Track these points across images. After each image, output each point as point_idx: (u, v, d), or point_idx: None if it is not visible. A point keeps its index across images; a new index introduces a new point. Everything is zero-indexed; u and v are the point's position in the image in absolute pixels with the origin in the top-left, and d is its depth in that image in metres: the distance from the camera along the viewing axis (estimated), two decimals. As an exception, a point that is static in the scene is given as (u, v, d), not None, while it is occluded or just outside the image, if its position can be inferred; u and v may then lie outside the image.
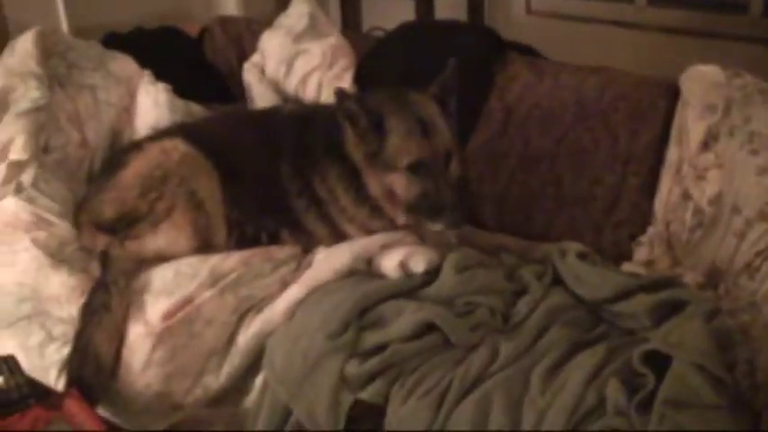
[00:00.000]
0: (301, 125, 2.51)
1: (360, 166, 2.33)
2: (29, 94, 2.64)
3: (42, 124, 2.61)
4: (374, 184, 2.32)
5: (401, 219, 2.36)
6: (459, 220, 2.27)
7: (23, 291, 2.33)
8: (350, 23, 4.05)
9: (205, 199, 2.42)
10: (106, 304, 2.23)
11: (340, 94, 2.27)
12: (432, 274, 2.26)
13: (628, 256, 2.49)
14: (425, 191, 2.27)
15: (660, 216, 2.48)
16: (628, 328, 2.12)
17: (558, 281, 2.27)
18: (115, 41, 3.12)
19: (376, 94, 2.36)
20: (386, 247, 2.32)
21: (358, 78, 3.01)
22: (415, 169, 2.26)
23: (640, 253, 2.46)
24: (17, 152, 2.53)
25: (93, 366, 2.18)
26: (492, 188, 2.73)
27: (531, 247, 2.45)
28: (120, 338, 2.22)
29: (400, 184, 2.28)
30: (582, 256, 2.31)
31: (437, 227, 2.29)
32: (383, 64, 3.02)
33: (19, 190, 2.51)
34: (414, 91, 2.37)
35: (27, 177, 2.53)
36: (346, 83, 2.97)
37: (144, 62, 2.99)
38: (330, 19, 3.45)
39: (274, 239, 2.46)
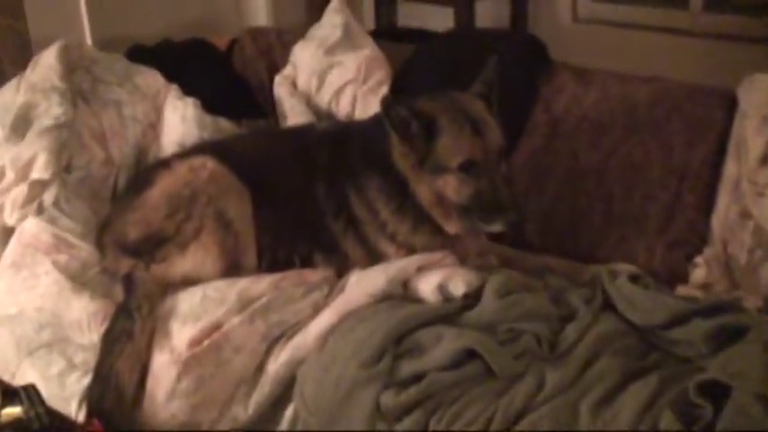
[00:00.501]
0: (337, 142, 2.54)
1: (407, 175, 2.35)
2: (51, 111, 2.69)
3: (65, 142, 2.66)
4: (423, 191, 2.34)
5: (453, 226, 2.37)
6: (519, 217, 2.31)
7: (44, 316, 2.37)
8: (384, 29, 4.06)
9: (234, 219, 2.44)
10: (129, 331, 2.25)
11: (387, 101, 2.30)
12: (472, 298, 2.25)
13: (683, 279, 2.46)
14: (480, 190, 2.29)
15: (717, 236, 2.46)
16: (683, 356, 2.08)
17: (607, 305, 2.25)
18: (141, 54, 3.16)
19: (422, 98, 2.38)
20: (423, 270, 2.32)
21: (394, 92, 3.01)
22: (467, 169, 2.29)
23: (696, 275, 2.43)
24: (39, 171, 2.58)
25: (114, 397, 2.19)
26: (537, 205, 2.72)
27: (579, 269, 2.43)
28: (143, 367, 2.23)
29: (452, 185, 2.30)
30: (634, 279, 2.28)
31: (496, 227, 2.32)
32: (421, 76, 3.03)
33: (40, 210, 2.55)
34: (457, 91, 2.40)
35: (49, 197, 2.57)
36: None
37: (171, 76, 3.03)
38: (364, 25, 3.46)
39: (307, 263, 2.47)
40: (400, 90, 3.01)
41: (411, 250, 2.41)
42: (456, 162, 2.28)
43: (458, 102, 2.35)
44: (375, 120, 2.42)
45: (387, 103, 2.29)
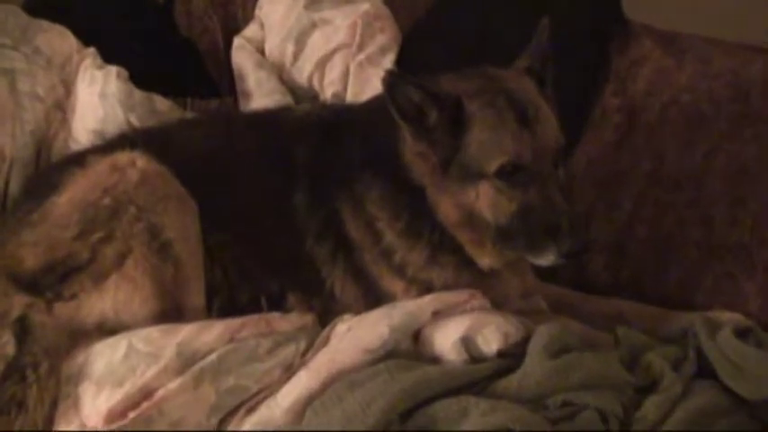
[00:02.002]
0: (323, 133, 2.58)
1: (424, 182, 2.38)
2: None
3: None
4: (446, 206, 2.38)
5: (486, 256, 2.42)
6: (581, 245, 2.30)
7: None
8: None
9: (175, 240, 2.46)
10: (21, 399, 2.26)
11: (392, 78, 2.31)
12: (510, 357, 2.27)
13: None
14: (527, 206, 2.31)
15: None
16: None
17: (704, 370, 2.27)
18: (45, 6, 3.19)
19: (444, 75, 2.41)
20: (440, 315, 2.34)
21: (402, 62, 3.05)
22: (509, 175, 2.31)
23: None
24: None
25: (-1, 490, 2.22)
26: (605, 227, 2.75)
27: (664, 319, 2.47)
28: (40, 450, 2.25)
29: (488, 197, 2.33)
30: (742, 334, 2.30)
31: (547, 259, 2.33)
32: (441, 42, 3.07)
33: None
34: (495, 66, 2.43)
35: None
36: (383, 70, 3.01)
37: (87, 36, 3.06)
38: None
39: (278, 306, 2.50)
40: (412, 61, 3.05)
41: (426, 289, 2.44)
42: (494, 165, 2.31)
43: (496, 80, 2.37)
44: (378, 103, 2.43)
45: (392, 82, 2.31)
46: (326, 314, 2.46)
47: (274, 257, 2.53)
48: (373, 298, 2.47)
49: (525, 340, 2.27)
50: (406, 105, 2.31)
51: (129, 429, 2.21)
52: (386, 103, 2.34)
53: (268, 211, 2.52)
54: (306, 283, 2.51)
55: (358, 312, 2.43)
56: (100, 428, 2.21)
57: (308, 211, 2.51)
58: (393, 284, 2.47)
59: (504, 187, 2.31)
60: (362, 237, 2.48)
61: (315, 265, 2.50)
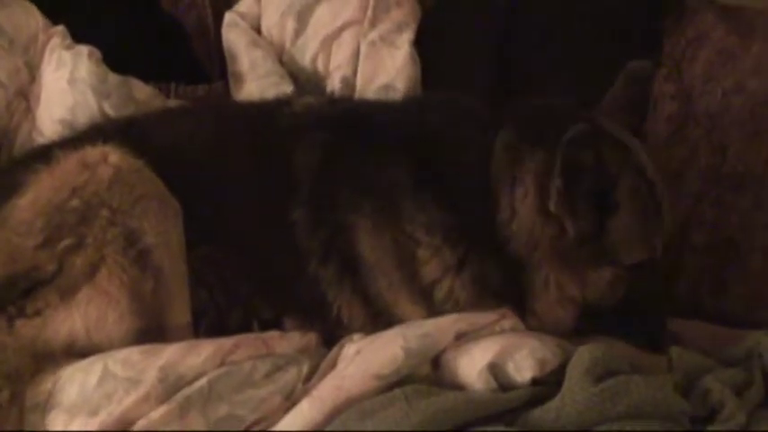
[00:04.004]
0: (330, 134, 2.62)
1: (530, 256, 2.43)
2: None
3: None
4: (563, 285, 2.44)
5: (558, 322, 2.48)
6: (665, 338, 2.41)
7: None
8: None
9: (154, 247, 2.49)
10: None
11: (581, 135, 2.31)
12: (546, 384, 2.30)
13: None
14: (637, 293, 2.42)
15: None
16: None
17: (771, 395, 2.30)
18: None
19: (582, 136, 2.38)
20: (465, 338, 2.38)
21: (423, 43, 3.08)
22: (637, 267, 2.40)
23: None
24: None
25: None
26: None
27: (726, 338, 2.49)
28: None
29: (606, 282, 2.42)
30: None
31: (629, 340, 2.40)
32: (467, 19, 3.09)
33: None
34: (607, 117, 2.48)
35: None
36: (401, 50, 3.05)
37: (54, 13, 3.10)
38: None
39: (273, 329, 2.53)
40: (432, 41, 3.08)
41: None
42: (634, 259, 2.40)
43: (628, 151, 2.42)
44: (446, 119, 2.56)
45: (574, 143, 2.30)
46: (331, 338, 2.49)
47: (269, 278, 2.56)
48: (385, 324, 2.50)
49: (564, 367, 2.28)
50: (572, 162, 2.31)
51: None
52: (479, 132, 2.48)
53: (261, 224, 2.57)
54: (307, 308, 2.55)
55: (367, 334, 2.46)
56: (71, 464, 2.25)
57: (310, 225, 2.54)
58: (414, 313, 2.51)
59: (626, 274, 2.40)
60: (381, 258, 2.51)
61: (319, 288, 2.54)
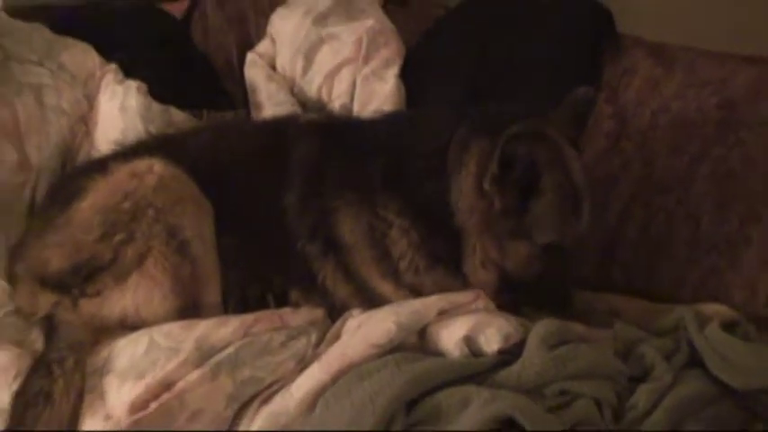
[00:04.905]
0: (324, 138, 2.60)
1: (469, 222, 2.41)
2: (-52, 97, 2.73)
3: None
4: (483, 248, 2.42)
5: (489, 290, 2.44)
6: (571, 310, 2.39)
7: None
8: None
9: (192, 240, 2.48)
10: (48, 392, 2.27)
11: (518, 136, 2.30)
12: (509, 354, 2.28)
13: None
14: (548, 272, 2.40)
15: None
16: (799, 430, 2.11)
17: (694, 361, 2.28)
18: (69, 24, 3.21)
19: (520, 133, 2.38)
20: (445, 315, 2.36)
21: (406, 76, 3.06)
22: (549, 248, 2.38)
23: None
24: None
25: (26, 478, 2.23)
26: (597, 228, 2.73)
27: (656, 312, 2.46)
28: (64, 439, 2.27)
29: (524, 257, 2.40)
30: (729, 327, 2.31)
31: (536, 314, 2.37)
32: (443, 56, 3.08)
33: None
34: (552, 127, 2.44)
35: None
36: (388, 82, 3.03)
37: (109, 53, 3.07)
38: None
39: (282, 302, 2.52)
40: (415, 73, 3.06)
41: (415, 292, 2.47)
42: (545, 240, 2.37)
43: (561, 154, 2.40)
44: (418, 127, 2.54)
45: (513, 138, 2.30)
46: (330, 309, 2.48)
47: (274, 256, 2.54)
48: (365, 295, 2.50)
49: (524, 341, 2.28)
50: (509, 155, 2.31)
51: (152, 419, 2.21)
52: (435, 132, 2.47)
53: (265, 211, 2.54)
54: (303, 280, 2.53)
55: (351, 307, 2.47)
56: (124, 418, 2.22)
57: (299, 209, 2.53)
58: (383, 286, 2.49)
59: (539, 254, 2.38)
60: (357, 239, 2.50)
61: (307, 263, 2.52)
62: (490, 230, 2.39)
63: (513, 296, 2.42)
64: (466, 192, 2.39)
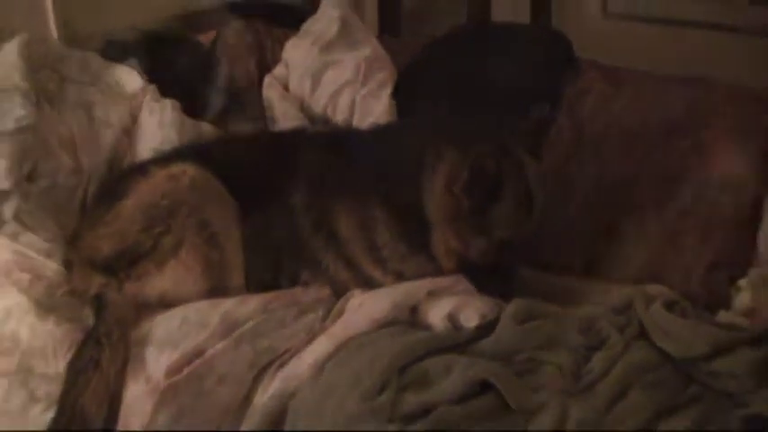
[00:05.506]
0: (327, 147, 2.62)
1: (436, 217, 2.41)
2: (13, 113, 2.73)
3: (28, 148, 2.70)
4: (448, 239, 2.42)
5: (452, 266, 2.45)
6: (511, 294, 2.39)
7: (3, 344, 2.39)
8: (389, 29, 4.11)
9: (219, 231, 2.50)
10: (97, 360, 2.29)
11: (490, 151, 2.32)
12: (486, 329, 2.29)
13: (725, 304, 2.47)
14: (498, 265, 2.42)
15: (764, 255, 2.48)
16: (725, 390, 2.11)
17: (642, 334, 2.27)
18: (116, 51, 3.23)
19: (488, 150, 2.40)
20: (433, 296, 2.37)
21: (398, 95, 3.07)
22: (503, 242, 2.39)
23: (740, 299, 2.45)
24: (-1, 180, 2.62)
25: (79, 432, 2.24)
26: (560, 220, 2.74)
27: (610, 293, 2.47)
28: (111, 400, 2.28)
29: (481, 249, 2.40)
30: (670, 305, 2.31)
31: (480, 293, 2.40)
32: (428, 78, 3.09)
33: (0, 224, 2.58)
34: (515, 139, 2.46)
35: (9, 210, 2.60)
36: (383, 101, 3.04)
37: (150, 75, 3.10)
38: (366, 26, 3.52)
39: (294, 284, 2.53)
40: (405, 93, 3.07)
41: (399, 277, 2.48)
42: (501, 237, 2.38)
43: (521, 165, 2.40)
44: (401, 138, 2.56)
45: (482, 153, 2.31)
46: (334, 290, 2.49)
47: (286, 245, 2.55)
48: (361, 280, 2.50)
49: (499, 319, 2.29)
50: (480, 164, 2.32)
51: (185, 382, 2.24)
52: (407, 139, 2.52)
53: (278, 208, 2.55)
54: (310, 265, 2.54)
55: (351, 289, 2.48)
56: (161, 381, 2.24)
57: (305, 207, 2.54)
58: (374, 272, 2.50)
59: (495, 246, 2.39)
60: (353, 233, 2.51)
61: (313, 252, 2.53)
62: (455, 227, 2.40)
63: (468, 276, 2.42)
64: (436, 192, 2.40)
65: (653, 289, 2.39)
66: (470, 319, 2.29)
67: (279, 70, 3.30)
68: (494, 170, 2.31)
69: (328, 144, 2.63)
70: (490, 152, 2.31)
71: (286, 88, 3.27)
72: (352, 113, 3.13)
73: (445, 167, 2.39)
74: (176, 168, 2.56)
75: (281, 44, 3.33)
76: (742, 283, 2.49)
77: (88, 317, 2.44)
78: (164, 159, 2.68)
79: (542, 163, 2.48)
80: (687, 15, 3.69)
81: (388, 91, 3.11)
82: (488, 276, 2.41)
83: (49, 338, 2.37)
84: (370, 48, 3.21)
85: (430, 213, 2.42)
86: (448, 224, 2.40)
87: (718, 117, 2.64)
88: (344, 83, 3.14)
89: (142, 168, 2.65)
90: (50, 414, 2.27)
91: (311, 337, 2.33)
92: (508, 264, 2.45)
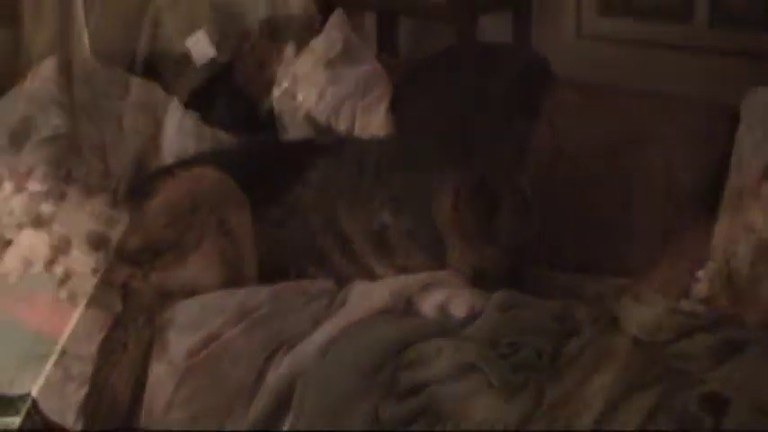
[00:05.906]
0: (332, 156, 2.63)
1: (446, 226, 2.43)
2: (50, 122, 2.76)
3: (64, 153, 2.71)
4: (464, 253, 2.43)
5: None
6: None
7: (41, 327, 2.40)
8: (386, 49, 4.11)
9: (235, 228, 2.51)
10: (124, 343, 2.32)
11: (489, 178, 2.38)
12: (474, 317, 2.29)
13: (685, 293, 2.48)
14: (512, 266, 2.44)
15: (720, 250, 2.49)
16: (685, 370, 2.11)
17: (613, 322, 2.28)
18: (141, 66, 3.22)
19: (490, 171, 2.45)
20: (427, 288, 2.38)
21: (393, 108, 3.07)
22: (510, 248, 2.43)
23: (699, 289, 2.46)
24: (37, 182, 2.62)
25: (108, 409, 2.26)
26: (544, 218, 2.74)
27: (584, 285, 2.50)
28: (136, 379, 2.29)
29: (494, 258, 2.42)
30: (636, 295, 2.33)
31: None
32: (420, 92, 3.08)
33: (38, 222, 2.59)
34: (507, 155, 2.52)
35: (47, 209, 2.61)
36: (380, 113, 3.05)
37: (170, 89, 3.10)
38: (366, 45, 3.52)
39: (302, 276, 2.53)
40: (400, 106, 3.07)
41: (402, 270, 2.48)
42: (509, 243, 2.41)
43: (517, 179, 2.44)
44: (395, 148, 2.64)
45: (486, 175, 2.38)
46: (338, 281, 2.49)
47: (296, 241, 2.56)
48: (364, 273, 2.50)
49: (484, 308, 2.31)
50: (481, 183, 2.38)
51: (203, 362, 2.26)
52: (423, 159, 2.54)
53: (288, 208, 2.57)
54: (317, 259, 2.55)
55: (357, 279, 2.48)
56: (182, 362, 2.26)
57: (313, 209, 2.55)
58: (378, 267, 2.51)
59: (506, 256, 2.42)
60: (356, 229, 2.52)
61: (321, 250, 2.54)
62: (467, 241, 2.41)
63: (484, 284, 2.42)
64: (444, 208, 2.43)
65: (622, 282, 2.43)
66: (460, 310, 2.30)
67: (288, 84, 3.30)
68: (492, 184, 2.35)
69: (333, 152, 2.64)
70: (487, 168, 2.37)
71: (294, 100, 3.27)
72: (353, 124, 3.13)
73: (449, 189, 2.41)
74: (198, 171, 2.58)
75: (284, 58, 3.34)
76: (700, 275, 2.50)
77: (116, 304, 2.44)
78: (187, 163, 2.70)
79: (529, 169, 2.49)
80: (653, 36, 3.69)
81: (384, 105, 3.11)
82: (504, 283, 2.41)
83: (82, 323, 2.39)
84: (369, 64, 3.21)
85: (439, 224, 2.44)
86: (461, 240, 2.42)
87: (679, 127, 2.64)
88: (346, 96, 3.14)
89: (167, 171, 2.67)
90: (84, 391, 2.29)
91: (317, 323, 2.33)
92: (520, 267, 2.46)
